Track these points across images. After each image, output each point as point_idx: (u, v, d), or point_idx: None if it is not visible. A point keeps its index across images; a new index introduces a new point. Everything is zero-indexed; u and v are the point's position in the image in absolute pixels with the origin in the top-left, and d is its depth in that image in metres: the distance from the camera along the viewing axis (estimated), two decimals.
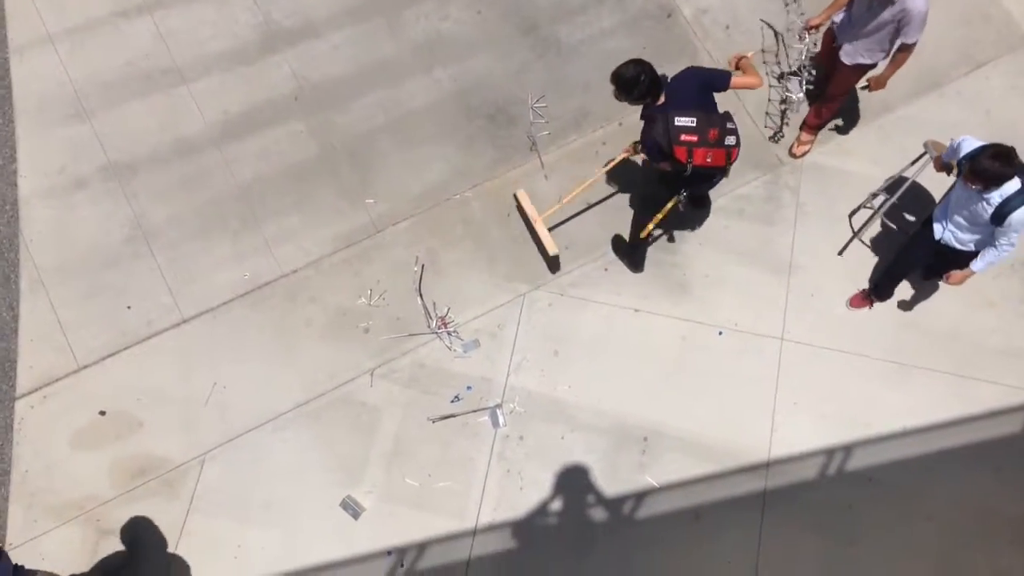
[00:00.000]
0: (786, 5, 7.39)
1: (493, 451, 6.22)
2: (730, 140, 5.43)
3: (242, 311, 6.55)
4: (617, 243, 6.72)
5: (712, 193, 6.81)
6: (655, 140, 5.41)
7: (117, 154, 6.91)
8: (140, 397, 6.33)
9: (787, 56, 7.21)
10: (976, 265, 5.61)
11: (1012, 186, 5.14)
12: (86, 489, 6.14)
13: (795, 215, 6.82)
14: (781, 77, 7.06)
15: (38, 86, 7.08)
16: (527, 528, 6.07)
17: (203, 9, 7.33)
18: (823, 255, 6.71)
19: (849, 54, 6.12)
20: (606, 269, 6.65)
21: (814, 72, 6.81)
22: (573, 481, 6.16)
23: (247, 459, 6.19)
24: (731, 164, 5.57)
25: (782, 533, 6.02)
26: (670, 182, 5.91)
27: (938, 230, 5.78)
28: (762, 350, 6.46)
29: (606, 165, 6.40)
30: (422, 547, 6.01)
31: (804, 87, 6.85)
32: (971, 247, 5.68)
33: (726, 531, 6.04)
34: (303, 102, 7.08)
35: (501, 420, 6.26)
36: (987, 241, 5.51)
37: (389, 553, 6.00)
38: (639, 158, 6.32)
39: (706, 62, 7.19)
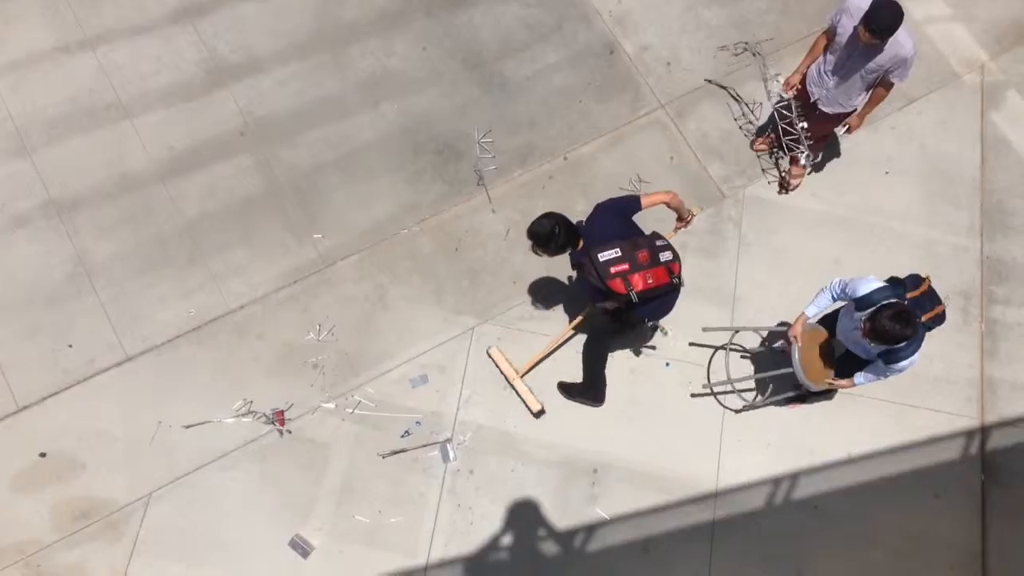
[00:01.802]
0: (734, 53, 7.58)
1: (444, 485, 6.20)
2: (665, 256, 5.30)
3: (188, 348, 6.47)
4: (567, 388, 6.50)
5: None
6: (590, 283, 5.32)
7: (59, 190, 6.81)
8: (82, 437, 6.21)
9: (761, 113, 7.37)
10: (858, 378, 5.55)
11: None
12: (26, 533, 5.99)
13: (738, 247, 6.95)
14: (780, 145, 7.00)
15: None
16: (479, 562, 6.05)
17: (147, 44, 7.28)
18: (765, 286, 6.83)
19: (828, 103, 6.24)
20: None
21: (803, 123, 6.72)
22: (524, 514, 6.17)
23: (193, 499, 6.09)
24: (678, 278, 5.41)
25: (731, 565, 6.08)
26: (629, 321, 5.85)
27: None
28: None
29: (572, 322, 6.36)
30: None
31: (808, 160, 6.83)
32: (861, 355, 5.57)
33: (676, 564, 6.08)
34: (249, 137, 7.06)
35: (451, 454, 6.25)
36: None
37: None
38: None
39: (648, 97, 7.33)
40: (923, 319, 5.05)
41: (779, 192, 7.12)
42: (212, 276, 6.66)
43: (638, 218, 5.46)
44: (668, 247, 5.34)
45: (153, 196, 6.85)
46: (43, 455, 6.16)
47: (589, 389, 6.38)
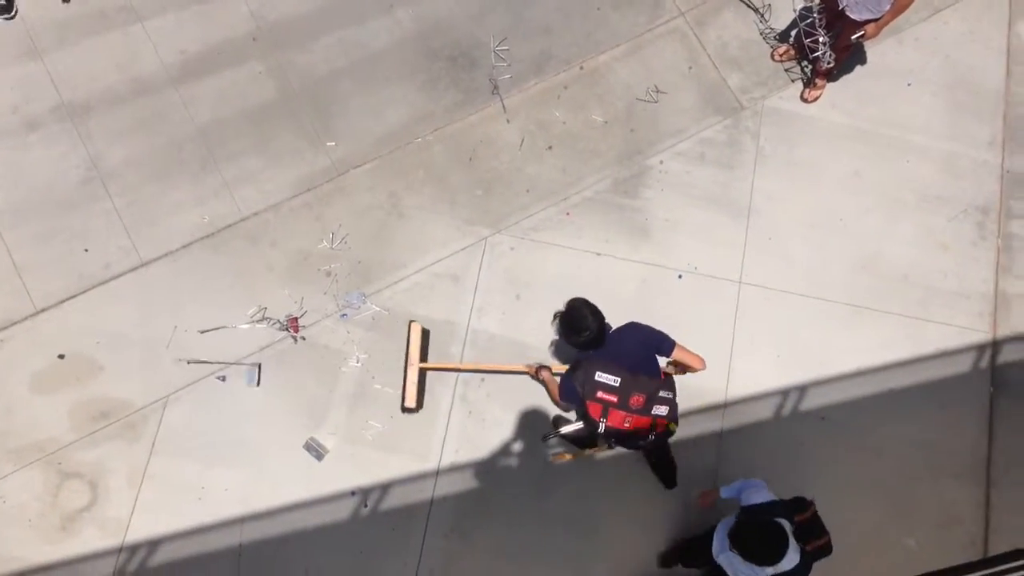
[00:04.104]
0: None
1: (455, 393, 6.28)
2: (659, 410, 4.93)
3: (203, 254, 6.51)
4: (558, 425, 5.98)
5: (673, 137, 6.86)
6: (572, 385, 4.98)
7: (71, 93, 6.77)
8: (99, 340, 6.30)
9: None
10: None
11: (788, 562, 4.61)
12: (47, 432, 6.13)
13: (754, 159, 6.89)
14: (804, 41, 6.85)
15: None
16: (489, 468, 6.17)
17: None
18: (781, 199, 6.78)
19: (856, 10, 6.09)
20: (568, 213, 6.68)
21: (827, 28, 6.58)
22: (534, 422, 6.26)
23: (209, 403, 6.21)
24: (660, 435, 5.05)
25: (738, 474, 6.14)
26: (585, 440, 5.67)
27: (715, 549, 5.14)
28: (720, 293, 6.56)
29: (521, 367, 5.99)
30: (385, 487, 6.09)
31: (831, 67, 6.67)
32: None
33: (682, 469, 6.16)
34: (262, 42, 6.97)
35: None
36: None
37: (353, 493, 6.08)
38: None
39: (667, 5, 7.18)
40: (808, 548, 4.77)
41: (802, 99, 7.02)
42: (225, 183, 6.65)
43: None
44: (669, 402, 4.98)
45: (165, 101, 6.81)
46: (62, 357, 6.26)
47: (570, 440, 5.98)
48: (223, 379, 6.24)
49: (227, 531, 5.98)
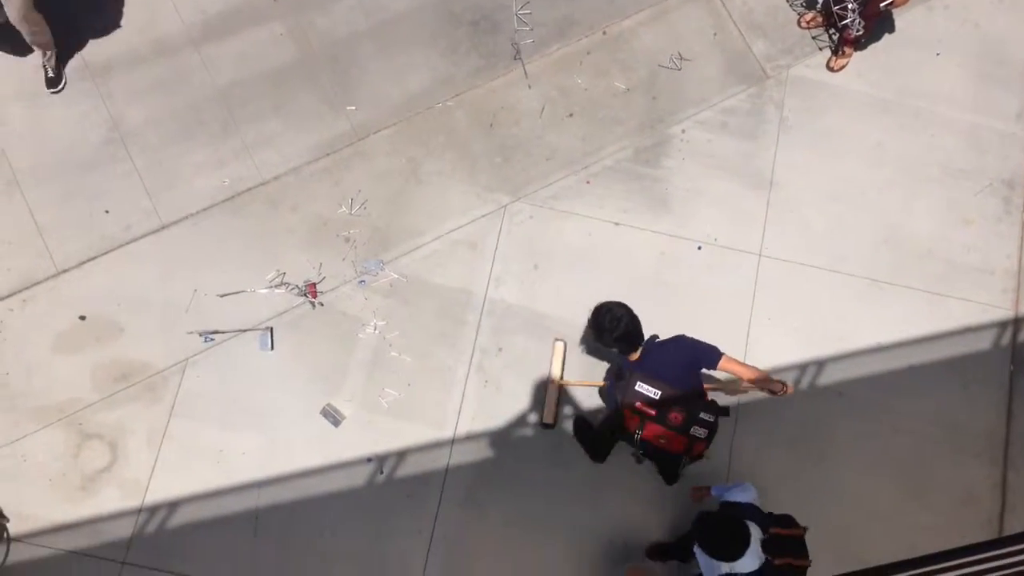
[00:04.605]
0: None
1: (472, 362, 6.29)
2: (698, 432, 4.90)
3: (223, 218, 6.52)
4: (579, 428, 6.10)
5: (695, 106, 6.78)
6: (613, 393, 5.02)
7: (92, 53, 6.75)
8: (120, 302, 6.34)
9: None
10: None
11: (745, 565, 4.62)
12: (68, 392, 6.19)
13: (778, 129, 6.80)
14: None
15: None
16: (504, 438, 6.20)
17: None
18: (804, 170, 6.71)
19: None
20: (588, 182, 6.64)
21: None
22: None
23: (228, 367, 6.24)
24: (695, 456, 5.04)
25: (753, 447, 6.17)
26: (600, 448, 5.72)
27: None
28: (740, 265, 6.52)
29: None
30: (401, 455, 6.13)
31: (858, 26, 6.53)
32: None
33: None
34: (282, 3, 6.91)
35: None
36: None
37: (369, 460, 6.12)
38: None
39: None
40: (776, 562, 4.70)
41: (828, 68, 6.92)
42: (245, 146, 6.64)
43: None
44: (710, 424, 4.94)
45: (186, 62, 6.78)
46: (83, 318, 6.31)
47: (589, 448, 5.99)
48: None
49: (244, 494, 6.04)
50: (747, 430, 6.20)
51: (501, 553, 6.02)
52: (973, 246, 6.60)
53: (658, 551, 5.90)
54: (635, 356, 5.08)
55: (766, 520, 4.85)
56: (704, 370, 5.14)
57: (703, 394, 5.06)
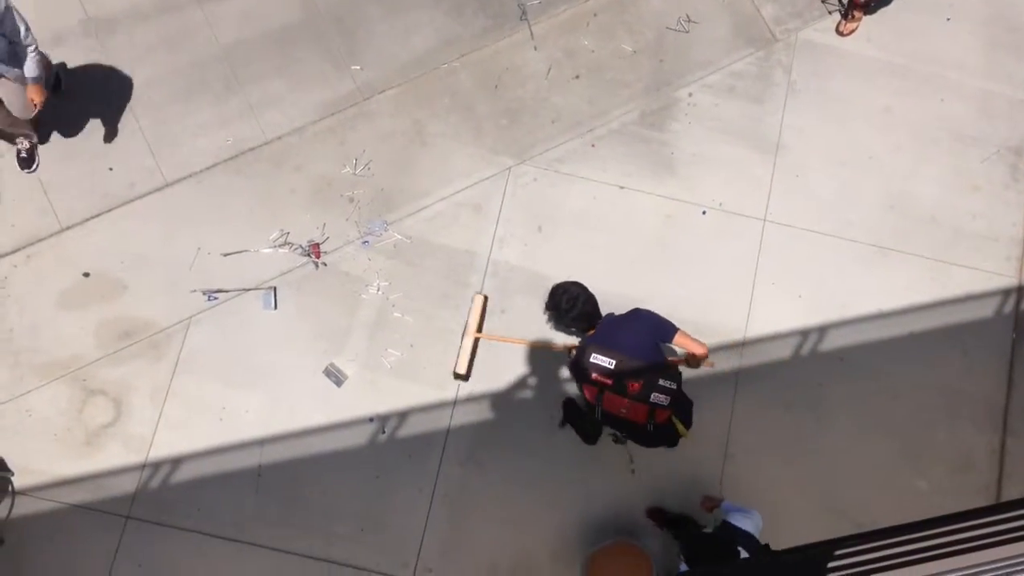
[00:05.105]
0: None
1: None
2: (658, 398, 4.84)
3: (226, 177, 6.51)
4: (568, 411, 6.07)
5: (703, 69, 6.73)
6: (574, 363, 5.04)
7: (95, 8, 6.71)
8: (124, 260, 6.35)
9: None
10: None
11: None
12: (72, 349, 6.22)
13: (785, 93, 6.76)
14: None
15: None
16: (505, 400, 6.22)
17: None
18: (811, 135, 6.67)
19: None
20: (593, 145, 6.61)
21: None
22: (548, 356, 6.24)
23: (231, 325, 6.26)
24: (653, 425, 4.94)
25: (753, 410, 6.19)
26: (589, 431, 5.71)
27: None
28: (744, 230, 6.50)
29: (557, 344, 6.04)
30: (403, 415, 6.16)
31: None
32: None
33: (698, 406, 6.14)
34: None
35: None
36: None
37: (371, 420, 6.15)
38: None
39: None
40: None
41: (837, 32, 6.86)
42: (249, 105, 6.61)
43: None
44: (671, 392, 4.91)
45: (190, 19, 6.74)
46: (87, 275, 6.32)
47: (580, 432, 5.97)
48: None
49: (247, 452, 6.08)
50: (747, 393, 6.22)
51: (501, 511, 6.07)
52: (979, 213, 6.58)
53: (658, 515, 5.94)
54: (592, 332, 5.11)
55: (759, 550, 4.83)
56: (661, 343, 5.13)
57: (662, 362, 5.04)
